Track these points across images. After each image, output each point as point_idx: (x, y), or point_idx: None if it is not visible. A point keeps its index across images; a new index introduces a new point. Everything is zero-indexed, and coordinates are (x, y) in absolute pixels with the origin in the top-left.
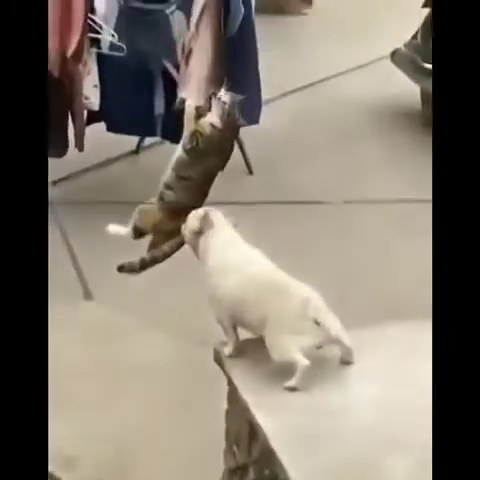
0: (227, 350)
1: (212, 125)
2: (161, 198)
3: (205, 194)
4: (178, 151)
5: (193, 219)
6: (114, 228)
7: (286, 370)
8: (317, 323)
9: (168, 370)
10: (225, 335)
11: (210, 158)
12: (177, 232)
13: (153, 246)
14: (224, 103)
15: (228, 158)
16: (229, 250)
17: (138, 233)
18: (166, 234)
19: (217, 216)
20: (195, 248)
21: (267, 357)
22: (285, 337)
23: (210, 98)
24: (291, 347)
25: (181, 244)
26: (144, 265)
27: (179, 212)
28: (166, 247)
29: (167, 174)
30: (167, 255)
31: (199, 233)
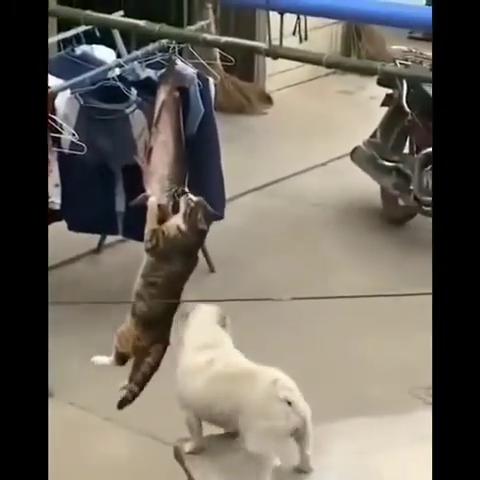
0: (188, 446)
1: (178, 227)
2: (134, 313)
3: (176, 299)
4: (144, 257)
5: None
6: (98, 359)
7: (247, 465)
8: (289, 403)
9: (129, 467)
10: (190, 433)
11: (174, 262)
12: (157, 342)
13: (136, 367)
14: (189, 203)
15: (194, 264)
16: (194, 354)
17: (121, 359)
18: (146, 350)
19: (196, 315)
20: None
21: (227, 452)
22: (260, 425)
23: (175, 198)
24: (267, 439)
25: (163, 350)
26: (136, 393)
27: (154, 323)
28: (149, 359)
29: (137, 282)
30: (153, 366)
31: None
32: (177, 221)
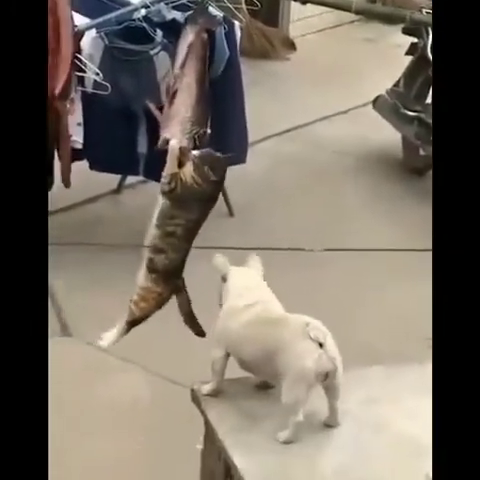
0: (207, 388)
1: (194, 178)
2: (152, 268)
3: (191, 245)
4: (159, 204)
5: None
6: (107, 336)
7: (265, 410)
8: (320, 344)
9: (144, 409)
10: (212, 374)
11: (191, 210)
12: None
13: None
14: (193, 159)
15: (209, 211)
16: (239, 297)
17: (135, 325)
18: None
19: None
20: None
21: (245, 396)
22: (290, 365)
23: (196, 140)
24: (297, 383)
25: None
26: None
27: (174, 274)
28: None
29: (152, 235)
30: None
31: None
32: (191, 170)
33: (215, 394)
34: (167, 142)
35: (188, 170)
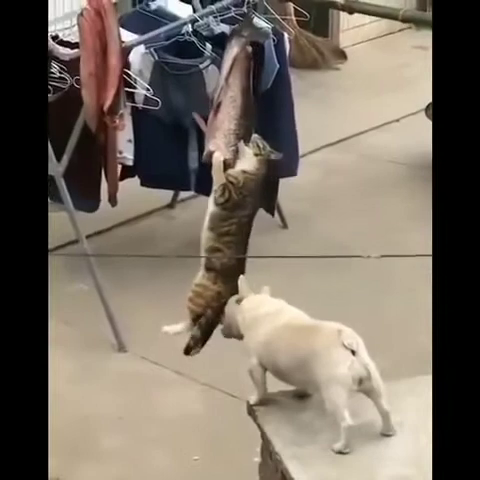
0: (253, 399)
1: (245, 172)
2: (210, 267)
3: (247, 247)
4: (210, 209)
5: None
6: (170, 328)
7: (320, 422)
8: (353, 352)
9: (202, 422)
10: (254, 384)
11: (244, 207)
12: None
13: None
14: (258, 139)
15: (258, 204)
16: (259, 306)
17: (196, 321)
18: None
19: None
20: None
21: (300, 408)
22: (324, 373)
23: (237, 151)
24: (339, 398)
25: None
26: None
27: (233, 273)
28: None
29: (206, 237)
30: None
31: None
32: (241, 167)
33: (262, 403)
34: (211, 155)
35: (237, 170)
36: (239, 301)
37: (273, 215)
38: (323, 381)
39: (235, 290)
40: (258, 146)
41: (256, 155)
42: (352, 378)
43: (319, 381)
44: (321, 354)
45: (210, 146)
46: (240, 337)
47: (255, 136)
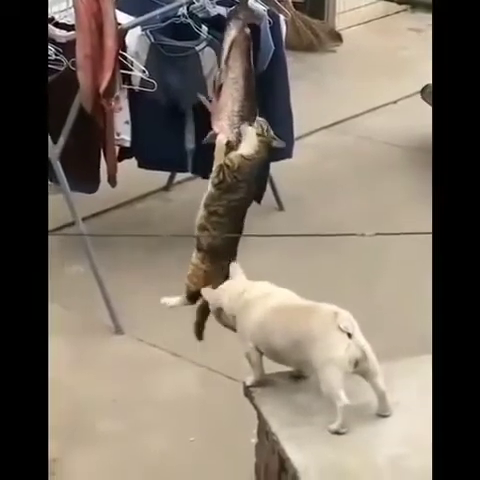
0: (250, 380)
1: (242, 156)
2: (199, 247)
3: (238, 231)
4: (209, 188)
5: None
6: (168, 300)
7: (317, 404)
8: (349, 335)
9: (199, 404)
10: (251, 366)
11: (237, 191)
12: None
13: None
14: (263, 122)
15: (254, 190)
16: (247, 293)
17: (192, 298)
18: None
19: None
20: (228, 322)
21: (296, 390)
22: (320, 356)
23: (240, 133)
24: (335, 379)
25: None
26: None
27: (220, 254)
28: None
29: (199, 215)
30: None
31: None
32: (240, 151)
33: (259, 385)
34: (215, 136)
35: (235, 154)
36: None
37: (259, 202)
38: (319, 363)
39: (224, 271)
40: (261, 127)
41: (258, 135)
42: (348, 360)
43: (315, 363)
44: (317, 337)
45: (214, 127)
46: (229, 325)
47: (260, 119)
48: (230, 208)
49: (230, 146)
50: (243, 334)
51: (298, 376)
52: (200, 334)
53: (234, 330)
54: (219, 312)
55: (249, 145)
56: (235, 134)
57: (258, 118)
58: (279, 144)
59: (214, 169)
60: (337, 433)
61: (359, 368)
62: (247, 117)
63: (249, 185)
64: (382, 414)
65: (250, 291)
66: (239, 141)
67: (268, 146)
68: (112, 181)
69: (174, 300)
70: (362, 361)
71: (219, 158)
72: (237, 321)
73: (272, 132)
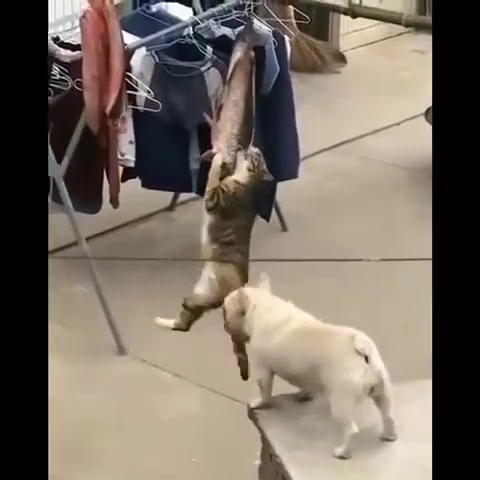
0: (254, 402)
1: (236, 181)
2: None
3: (247, 251)
4: (205, 220)
5: (232, 303)
6: (162, 321)
7: (321, 426)
8: (366, 359)
9: (201, 425)
10: (260, 391)
11: (238, 217)
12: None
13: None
14: (257, 154)
15: (254, 215)
16: (270, 314)
17: (189, 323)
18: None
19: (251, 290)
20: (241, 327)
21: (301, 412)
22: (336, 380)
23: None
24: (344, 396)
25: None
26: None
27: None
28: None
29: (210, 249)
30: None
31: (242, 313)
32: (235, 177)
33: (264, 407)
34: (211, 156)
35: (229, 180)
36: (243, 313)
37: (268, 220)
38: (334, 387)
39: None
40: (253, 162)
41: (249, 170)
42: (363, 386)
43: (330, 386)
44: (334, 361)
45: (214, 148)
46: (237, 331)
47: (255, 150)
48: (239, 233)
49: (226, 168)
50: (259, 360)
51: (303, 398)
52: (245, 374)
53: (239, 339)
54: (239, 315)
55: (242, 173)
56: (232, 156)
57: (251, 149)
58: (269, 178)
59: (207, 191)
60: (341, 458)
61: (374, 394)
62: (243, 141)
63: (250, 208)
64: (387, 438)
65: (270, 314)
66: (235, 165)
67: (259, 179)
68: (114, 202)
69: (166, 322)
70: (378, 387)
71: (213, 179)
72: (254, 346)
73: (263, 165)
